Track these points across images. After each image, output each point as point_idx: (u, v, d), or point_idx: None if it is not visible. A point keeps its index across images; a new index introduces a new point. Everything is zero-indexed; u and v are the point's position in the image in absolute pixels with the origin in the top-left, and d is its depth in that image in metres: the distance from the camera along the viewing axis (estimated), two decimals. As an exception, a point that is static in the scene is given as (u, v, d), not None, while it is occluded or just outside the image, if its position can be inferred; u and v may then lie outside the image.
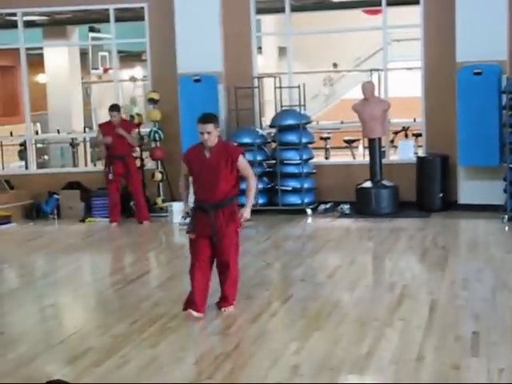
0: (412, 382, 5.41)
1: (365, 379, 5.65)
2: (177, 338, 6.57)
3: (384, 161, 12.40)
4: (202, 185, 7.05)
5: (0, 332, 7.06)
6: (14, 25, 13.91)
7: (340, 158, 17.20)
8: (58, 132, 16.40)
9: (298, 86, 12.62)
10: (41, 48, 18.35)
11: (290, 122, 12.43)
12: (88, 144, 17.90)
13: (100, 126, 12.73)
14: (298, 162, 12.35)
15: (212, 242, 7.04)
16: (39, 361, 6.20)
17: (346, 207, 12.27)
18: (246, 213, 7.13)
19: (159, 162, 13.02)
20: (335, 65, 24.62)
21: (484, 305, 7.21)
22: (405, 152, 13.15)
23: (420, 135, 13.60)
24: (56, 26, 18.14)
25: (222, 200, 7.01)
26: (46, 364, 6.18)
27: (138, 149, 12.70)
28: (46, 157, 17.73)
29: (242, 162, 7.12)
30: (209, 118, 7.03)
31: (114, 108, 12.28)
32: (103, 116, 20.63)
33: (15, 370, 5.96)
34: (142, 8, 13.30)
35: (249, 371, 5.76)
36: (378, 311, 7.11)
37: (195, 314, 6.97)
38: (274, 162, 12.45)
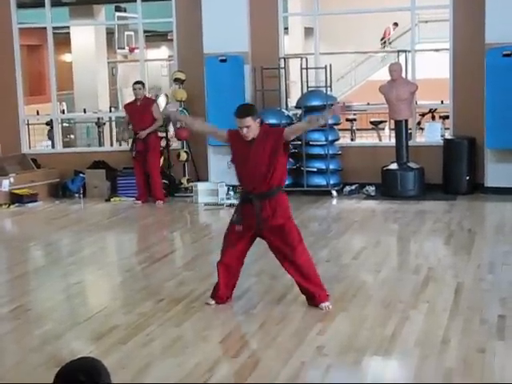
0: (436, 368, 5.39)
1: (390, 361, 5.65)
2: (202, 318, 6.59)
3: (410, 143, 12.34)
4: (246, 175, 6.62)
5: (27, 309, 7.12)
6: (41, 4, 13.93)
7: (366, 139, 17.16)
8: (85, 111, 16.44)
9: (325, 67, 12.55)
10: (67, 27, 18.39)
11: (316, 102, 12.38)
12: (114, 123, 17.95)
13: (124, 106, 12.83)
14: (324, 143, 12.33)
15: (255, 235, 6.68)
16: (65, 338, 6.24)
17: (371, 189, 12.23)
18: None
19: (184, 142, 13.03)
20: (396, 24, 24.18)
21: (510, 288, 7.17)
22: (432, 134, 13.07)
23: (447, 117, 13.52)
24: (83, 5, 18.17)
25: (268, 190, 6.57)
26: (72, 341, 6.22)
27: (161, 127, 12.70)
28: (71, 136, 17.79)
29: (288, 131, 6.62)
30: (246, 110, 6.54)
31: (139, 81, 12.48)
32: (129, 95, 20.68)
33: (41, 347, 6.00)
34: (169, -13, 13.30)
35: (274, 351, 5.76)
36: (403, 293, 7.09)
37: (212, 302, 6.84)
38: (299, 143, 12.41)
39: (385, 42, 25.02)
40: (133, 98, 12.54)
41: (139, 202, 12.32)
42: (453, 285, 7.29)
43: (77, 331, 6.43)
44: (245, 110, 6.55)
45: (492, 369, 5.32)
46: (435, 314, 6.48)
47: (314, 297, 6.71)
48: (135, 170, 12.46)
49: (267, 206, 6.58)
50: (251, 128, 6.47)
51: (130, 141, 12.99)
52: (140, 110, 12.27)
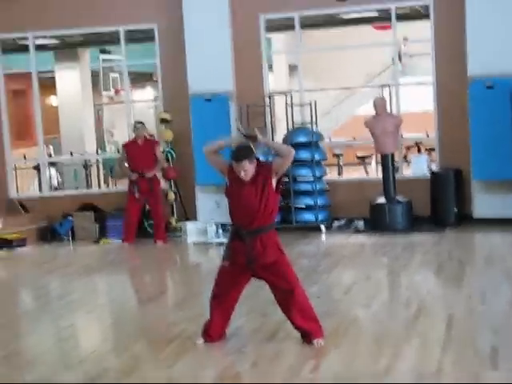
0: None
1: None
2: (194, 358, 6.54)
3: (397, 176, 12.39)
4: (238, 210, 6.59)
5: (17, 353, 7.06)
6: (25, 49, 13.98)
7: (353, 174, 17.21)
8: (72, 154, 16.44)
9: (310, 103, 12.62)
10: (52, 71, 18.44)
11: (302, 139, 12.43)
12: (101, 165, 17.97)
13: (124, 145, 12.68)
14: (311, 179, 12.35)
15: (251, 275, 6.67)
16: (57, 382, 6.18)
17: (360, 223, 12.26)
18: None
19: (172, 181, 13.03)
20: (406, 39, 23.91)
21: (502, 318, 7.16)
22: (418, 167, 13.12)
23: (433, 150, 13.58)
24: (67, 49, 18.24)
25: (259, 227, 6.55)
26: (64, 385, 6.17)
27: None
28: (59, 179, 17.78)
29: (275, 161, 6.69)
30: (242, 154, 6.45)
31: (140, 122, 12.49)
32: (116, 137, 20.70)
33: (33, 392, 5.96)
34: (152, 29, 13.36)
35: (267, 389, 5.73)
36: (394, 327, 7.07)
37: (200, 341, 6.78)
38: (287, 179, 12.43)
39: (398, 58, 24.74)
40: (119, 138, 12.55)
41: (127, 243, 12.25)
42: (444, 317, 7.28)
43: (69, 374, 6.37)
44: (242, 154, 6.48)
45: (486, 400, 5.31)
46: (428, 347, 6.45)
47: (310, 334, 6.65)
48: (130, 211, 12.24)
49: (258, 243, 6.55)
50: (248, 171, 6.47)
51: (121, 181, 12.88)
52: (142, 150, 12.23)
